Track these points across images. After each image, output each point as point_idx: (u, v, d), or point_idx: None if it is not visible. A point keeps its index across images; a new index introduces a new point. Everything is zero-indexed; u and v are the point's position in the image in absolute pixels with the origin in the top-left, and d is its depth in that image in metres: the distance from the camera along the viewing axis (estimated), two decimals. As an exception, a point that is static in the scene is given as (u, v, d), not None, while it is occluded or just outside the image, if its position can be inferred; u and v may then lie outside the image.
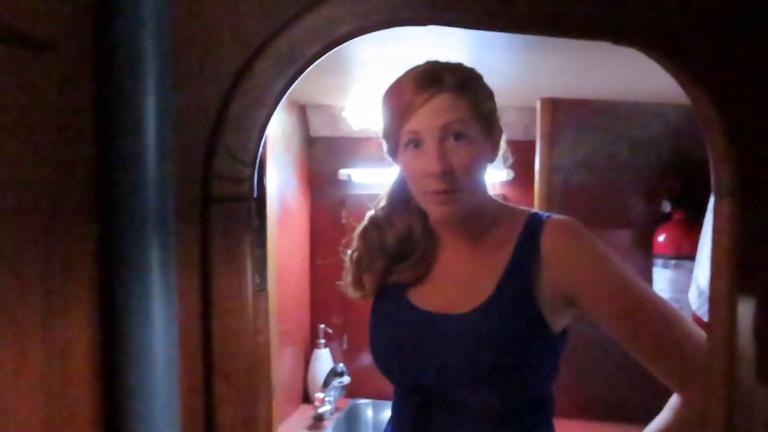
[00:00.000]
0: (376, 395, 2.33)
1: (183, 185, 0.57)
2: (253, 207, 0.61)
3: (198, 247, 0.58)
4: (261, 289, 0.65)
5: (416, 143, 0.90)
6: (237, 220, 0.60)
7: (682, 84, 0.68)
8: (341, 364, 2.19)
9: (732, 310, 0.66)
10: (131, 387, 0.52)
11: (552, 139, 2.05)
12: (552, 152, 2.06)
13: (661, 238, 1.91)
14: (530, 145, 2.15)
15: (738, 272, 0.65)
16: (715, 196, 0.70)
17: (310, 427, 2.06)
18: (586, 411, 2.03)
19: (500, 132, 0.96)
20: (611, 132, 2.04)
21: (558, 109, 2.03)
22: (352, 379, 2.23)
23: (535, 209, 0.98)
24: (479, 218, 0.96)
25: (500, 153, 0.99)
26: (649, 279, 1.92)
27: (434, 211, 0.93)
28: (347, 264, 1.05)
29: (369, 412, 2.35)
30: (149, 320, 0.52)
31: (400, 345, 0.96)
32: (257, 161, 0.61)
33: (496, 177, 2.22)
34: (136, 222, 0.52)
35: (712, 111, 0.66)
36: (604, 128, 2.05)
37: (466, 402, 0.92)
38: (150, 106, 0.51)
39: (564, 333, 0.94)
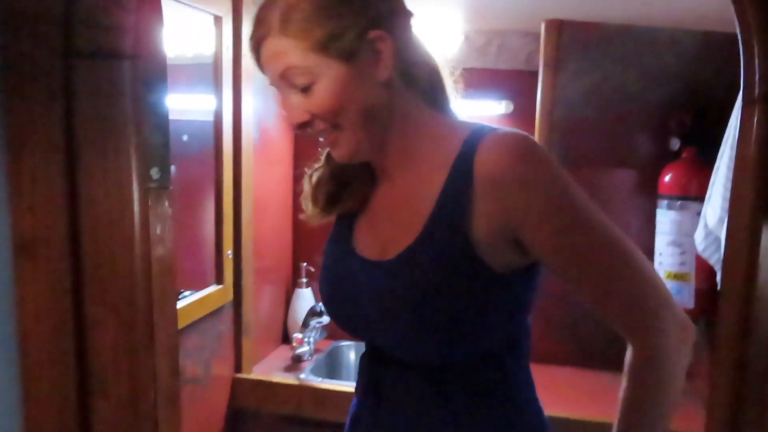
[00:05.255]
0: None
1: (32, 31, 0.42)
2: (140, 69, 0.46)
3: (58, 120, 0.43)
4: (161, 186, 0.50)
5: None
6: (113, 84, 0.44)
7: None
8: (320, 304, 2.08)
9: (754, 234, 0.54)
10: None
11: (556, 67, 1.87)
12: (555, 82, 1.88)
13: (667, 178, 1.76)
14: (532, 76, 1.97)
15: (763, 188, 0.53)
16: (744, 102, 0.59)
17: (287, 368, 1.97)
18: (560, 356, 1.94)
19: (378, 44, 0.75)
20: (620, 60, 1.86)
21: (564, 33, 1.84)
22: (333, 320, 2.13)
23: (484, 123, 0.80)
24: (402, 148, 0.81)
25: (410, 69, 0.80)
26: (652, 221, 1.78)
27: (333, 154, 0.83)
28: (306, 185, 0.93)
29: (351, 355, 2.26)
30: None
31: (339, 293, 0.87)
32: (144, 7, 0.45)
33: (492, 110, 2.05)
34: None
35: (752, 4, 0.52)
36: (612, 56, 1.86)
37: (406, 358, 0.82)
38: None
39: (529, 270, 0.79)
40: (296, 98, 0.76)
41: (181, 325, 1.57)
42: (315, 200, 0.90)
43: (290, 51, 0.73)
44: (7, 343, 0.40)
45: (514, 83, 2.06)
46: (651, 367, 0.74)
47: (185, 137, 1.61)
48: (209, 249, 1.77)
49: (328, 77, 0.74)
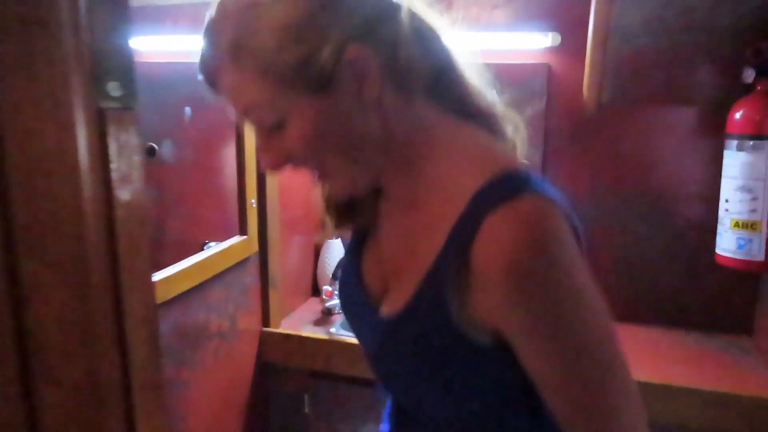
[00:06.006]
0: (392, 290, 2.14)
1: None
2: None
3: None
4: (125, 106, 0.38)
5: None
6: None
7: None
8: (351, 256, 1.98)
9: None
10: None
11: (611, -9, 1.66)
12: (611, 8, 1.67)
13: (738, 115, 1.55)
14: (584, 4, 1.76)
15: None
16: None
17: (316, 322, 1.89)
18: (629, 314, 1.80)
19: (359, 63, 0.59)
20: (688, -20, 1.63)
21: (622, -51, 1.62)
22: (365, 272, 2.04)
23: (510, 166, 0.62)
24: (406, 174, 0.68)
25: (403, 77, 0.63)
26: (718, 164, 1.59)
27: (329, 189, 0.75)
28: (319, 198, 0.81)
29: (384, 308, 2.17)
30: None
31: (350, 316, 0.81)
32: None
33: (538, 43, 1.85)
34: None
35: None
36: (679, -25, 1.64)
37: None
38: None
39: None
40: (267, 138, 0.63)
41: (204, 277, 1.50)
42: (329, 215, 0.78)
43: (248, 87, 0.59)
44: None
45: (563, 12, 1.85)
46: None
47: (200, 76, 1.49)
48: (231, 198, 1.67)
49: (299, 115, 0.60)
